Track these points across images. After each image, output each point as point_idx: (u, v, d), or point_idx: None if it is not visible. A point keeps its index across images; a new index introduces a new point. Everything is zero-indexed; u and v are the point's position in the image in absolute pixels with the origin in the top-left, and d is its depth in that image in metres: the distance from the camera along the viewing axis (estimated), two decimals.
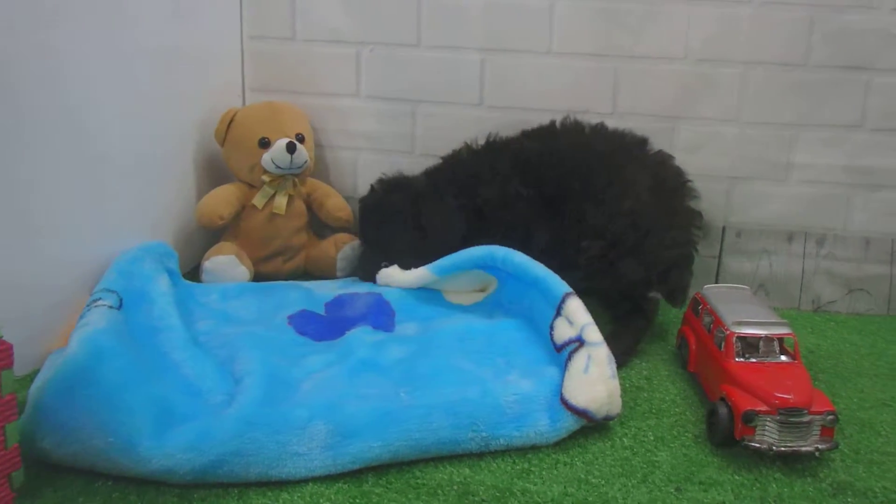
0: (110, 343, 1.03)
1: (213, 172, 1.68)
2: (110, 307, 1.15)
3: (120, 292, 1.21)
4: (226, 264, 1.54)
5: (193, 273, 1.58)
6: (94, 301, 1.16)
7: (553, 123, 1.57)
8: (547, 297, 1.26)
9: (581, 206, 1.44)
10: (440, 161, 1.61)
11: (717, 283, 1.61)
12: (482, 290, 1.47)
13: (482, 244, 1.38)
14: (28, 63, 1.13)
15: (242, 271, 1.56)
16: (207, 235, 1.63)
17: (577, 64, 1.66)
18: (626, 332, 1.39)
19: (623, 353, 1.32)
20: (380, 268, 1.53)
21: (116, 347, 1.03)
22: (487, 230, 1.48)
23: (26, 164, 1.15)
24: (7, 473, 0.89)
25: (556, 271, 1.29)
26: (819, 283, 1.66)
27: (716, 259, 1.68)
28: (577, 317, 1.20)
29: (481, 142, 1.58)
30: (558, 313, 1.22)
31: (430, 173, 1.59)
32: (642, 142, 1.53)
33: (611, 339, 1.21)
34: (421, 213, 1.53)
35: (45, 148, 1.18)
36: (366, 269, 1.57)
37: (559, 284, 1.25)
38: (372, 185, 1.60)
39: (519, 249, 1.35)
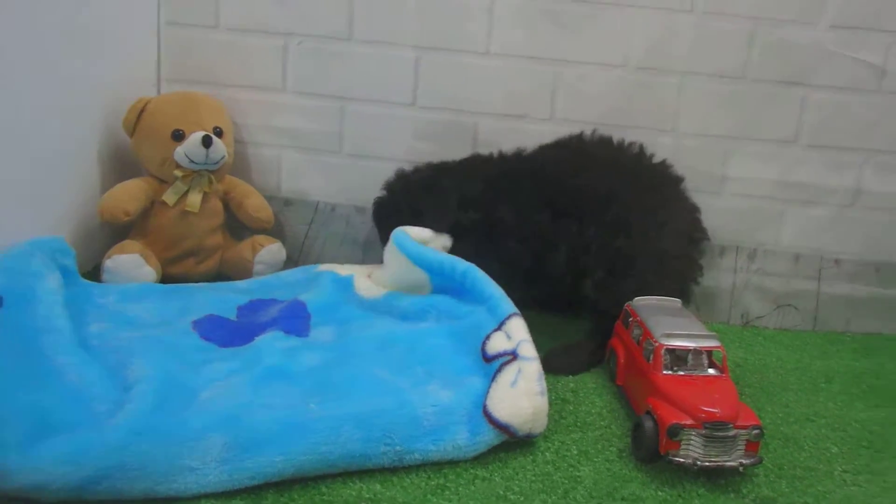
0: None
1: (122, 165, 1.58)
2: None
3: (1, 290, 1.13)
4: (129, 264, 1.44)
5: (94, 273, 1.48)
6: None
7: (580, 136, 1.54)
8: (493, 313, 1.22)
9: (607, 238, 1.41)
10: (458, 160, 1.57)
11: None
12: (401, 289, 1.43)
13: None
14: None
15: (148, 272, 1.46)
16: (111, 233, 1.54)
17: (515, 66, 1.63)
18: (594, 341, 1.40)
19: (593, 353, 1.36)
20: None
21: None
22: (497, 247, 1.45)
23: None
24: None
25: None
26: (749, 298, 1.66)
27: None
28: (516, 332, 1.17)
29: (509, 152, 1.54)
30: (499, 328, 1.19)
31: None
32: (678, 179, 1.52)
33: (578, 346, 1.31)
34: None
35: None
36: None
37: (508, 304, 1.22)
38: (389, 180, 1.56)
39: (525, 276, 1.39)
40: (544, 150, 1.53)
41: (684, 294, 1.40)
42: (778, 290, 1.65)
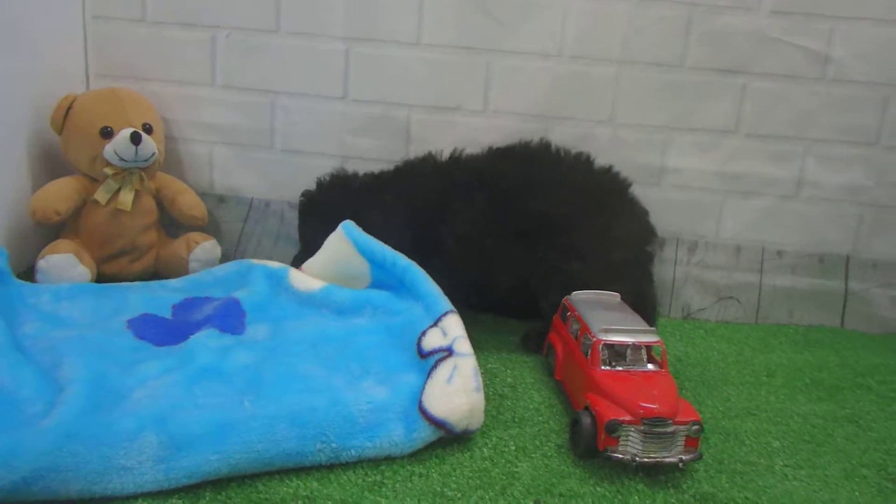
0: None
1: (51, 164, 1.55)
2: None
3: None
4: (63, 263, 1.42)
5: (28, 274, 1.45)
6: None
7: (526, 146, 1.50)
8: (429, 311, 1.21)
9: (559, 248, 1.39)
10: (394, 169, 1.53)
11: None
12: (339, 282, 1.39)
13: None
14: None
15: (82, 271, 1.44)
16: (44, 233, 1.51)
17: (447, 58, 1.60)
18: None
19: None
20: None
21: None
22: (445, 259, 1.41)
23: None
24: None
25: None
26: (689, 291, 1.64)
27: None
28: (452, 329, 1.16)
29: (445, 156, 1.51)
30: (435, 324, 1.18)
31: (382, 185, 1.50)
32: (626, 185, 1.50)
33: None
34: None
35: None
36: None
37: (444, 301, 1.22)
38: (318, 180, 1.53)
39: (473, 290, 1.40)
40: (491, 161, 1.49)
41: (643, 297, 1.39)
42: (719, 282, 1.64)
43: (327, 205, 1.49)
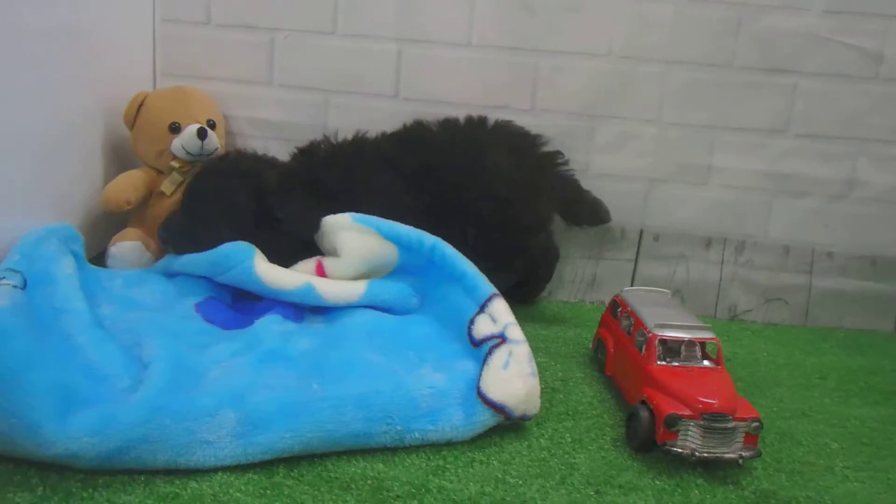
0: (13, 322, 0.99)
1: (121, 157, 1.60)
2: (14, 287, 1.09)
3: (24, 273, 1.15)
4: (132, 250, 1.49)
5: (97, 260, 1.49)
6: None
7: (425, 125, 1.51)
8: (471, 294, 1.22)
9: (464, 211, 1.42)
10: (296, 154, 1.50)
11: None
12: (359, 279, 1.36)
13: None
14: None
15: (148, 258, 1.50)
16: (112, 221, 1.55)
17: (495, 57, 1.60)
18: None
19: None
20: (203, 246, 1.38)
21: (19, 327, 0.99)
22: None
23: None
24: None
25: None
26: (736, 291, 1.62)
27: (632, 263, 1.63)
28: (501, 315, 1.17)
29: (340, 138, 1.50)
30: (481, 310, 1.19)
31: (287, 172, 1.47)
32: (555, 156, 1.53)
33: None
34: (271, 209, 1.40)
35: None
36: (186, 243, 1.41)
37: (486, 284, 1.22)
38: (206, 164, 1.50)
39: None
40: (397, 144, 1.48)
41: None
42: (767, 283, 1.62)
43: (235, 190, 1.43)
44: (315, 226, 1.37)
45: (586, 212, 1.55)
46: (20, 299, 1.07)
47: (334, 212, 1.36)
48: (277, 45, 1.65)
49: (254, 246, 1.33)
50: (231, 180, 1.41)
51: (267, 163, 1.48)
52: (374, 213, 1.34)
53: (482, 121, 1.50)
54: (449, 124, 1.50)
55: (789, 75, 1.54)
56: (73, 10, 1.40)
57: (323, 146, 1.48)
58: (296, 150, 1.50)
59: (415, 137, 1.48)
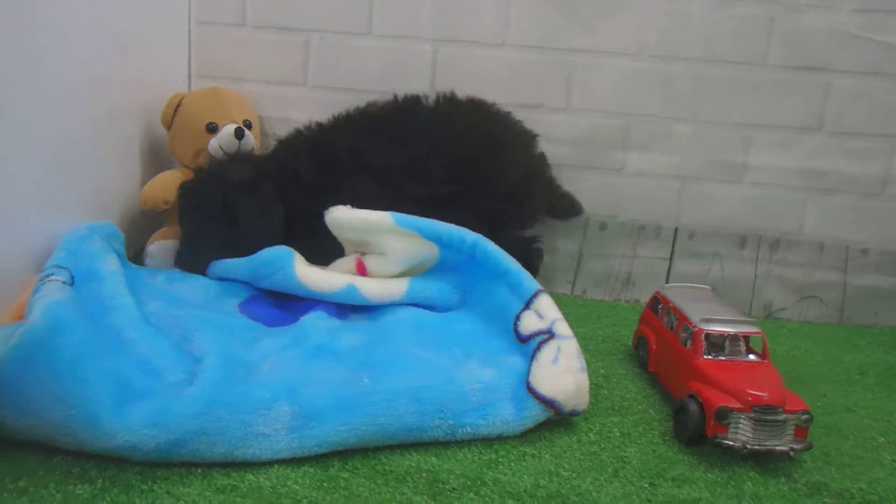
0: (70, 315, 0.97)
1: (157, 157, 1.63)
2: (63, 283, 1.09)
3: (71, 269, 1.15)
4: (171, 249, 1.49)
5: (134, 259, 1.50)
6: (47, 276, 1.10)
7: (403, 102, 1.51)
8: (516, 291, 1.21)
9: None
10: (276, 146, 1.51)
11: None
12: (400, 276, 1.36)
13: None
14: None
15: None
16: (148, 221, 1.57)
17: (531, 57, 1.61)
18: None
19: None
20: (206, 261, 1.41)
21: (76, 320, 0.98)
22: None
23: None
24: None
25: None
26: (771, 289, 1.62)
27: (667, 261, 1.63)
28: (548, 311, 1.16)
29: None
30: (527, 306, 1.18)
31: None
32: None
33: None
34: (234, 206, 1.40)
35: None
36: (190, 264, 1.44)
37: (530, 280, 1.22)
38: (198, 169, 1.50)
39: None
40: (365, 134, 1.47)
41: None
42: (801, 281, 1.62)
43: (206, 198, 1.43)
44: (273, 228, 1.38)
45: (564, 205, 1.59)
46: (72, 294, 1.07)
47: (318, 204, 1.36)
48: (312, 46, 1.66)
49: (292, 249, 1.33)
50: (200, 187, 1.43)
51: (242, 160, 1.48)
52: (361, 202, 1.34)
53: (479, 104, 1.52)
54: (447, 103, 1.50)
55: (822, 73, 1.55)
56: (111, 14, 1.41)
57: (305, 133, 1.49)
58: (275, 142, 1.51)
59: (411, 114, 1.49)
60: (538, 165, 1.54)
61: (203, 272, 1.40)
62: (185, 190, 1.45)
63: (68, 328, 0.95)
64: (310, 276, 1.30)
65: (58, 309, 0.97)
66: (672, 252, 1.63)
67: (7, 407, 0.90)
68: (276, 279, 1.31)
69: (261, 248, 1.33)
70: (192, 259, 1.42)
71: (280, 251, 1.32)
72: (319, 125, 1.49)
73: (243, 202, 1.38)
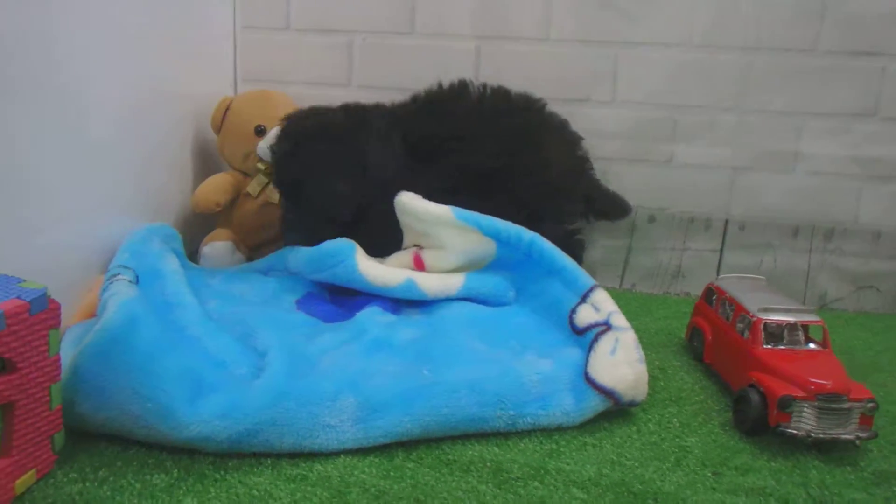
0: (142, 311, 1.01)
1: (207, 161, 1.65)
2: (130, 282, 1.12)
3: (135, 269, 1.19)
4: (224, 250, 1.53)
5: (190, 260, 1.51)
6: (114, 276, 1.13)
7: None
8: (571, 287, 1.22)
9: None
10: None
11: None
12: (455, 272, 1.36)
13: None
14: (24, 50, 1.07)
15: (239, 258, 1.55)
16: (200, 223, 1.59)
17: (575, 51, 1.60)
18: None
19: None
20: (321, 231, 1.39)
21: (147, 316, 1.01)
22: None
23: (32, 156, 1.11)
24: (50, 434, 0.88)
25: None
26: (825, 279, 1.60)
27: (717, 253, 1.61)
28: (604, 304, 1.17)
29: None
30: (583, 300, 1.19)
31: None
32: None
33: None
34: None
35: (46, 137, 1.13)
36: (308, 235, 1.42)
37: (585, 276, 1.22)
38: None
39: None
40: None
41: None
42: (857, 270, 1.59)
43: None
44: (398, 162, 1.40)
45: (611, 204, 1.57)
46: (139, 292, 1.09)
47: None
48: (355, 46, 1.67)
49: (354, 242, 1.34)
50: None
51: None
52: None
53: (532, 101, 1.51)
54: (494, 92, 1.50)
55: (877, 58, 1.51)
56: (163, 26, 1.44)
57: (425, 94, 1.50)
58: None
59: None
60: (580, 165, 1.52)
61: (331, 209, 1.40)
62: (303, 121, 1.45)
63: (141, 324, 0.98)
64: (370, 270, 1.31)
65: (131, 305, 1.00)
66: (723, 244, 1.61)
67: (86, 401, 0.93)
68: (337, 271, 1.31)
69: (386, 183, 1.37)
70: (322, 189, 1.39)
71: (342, 243, 1.32)
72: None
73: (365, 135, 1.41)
